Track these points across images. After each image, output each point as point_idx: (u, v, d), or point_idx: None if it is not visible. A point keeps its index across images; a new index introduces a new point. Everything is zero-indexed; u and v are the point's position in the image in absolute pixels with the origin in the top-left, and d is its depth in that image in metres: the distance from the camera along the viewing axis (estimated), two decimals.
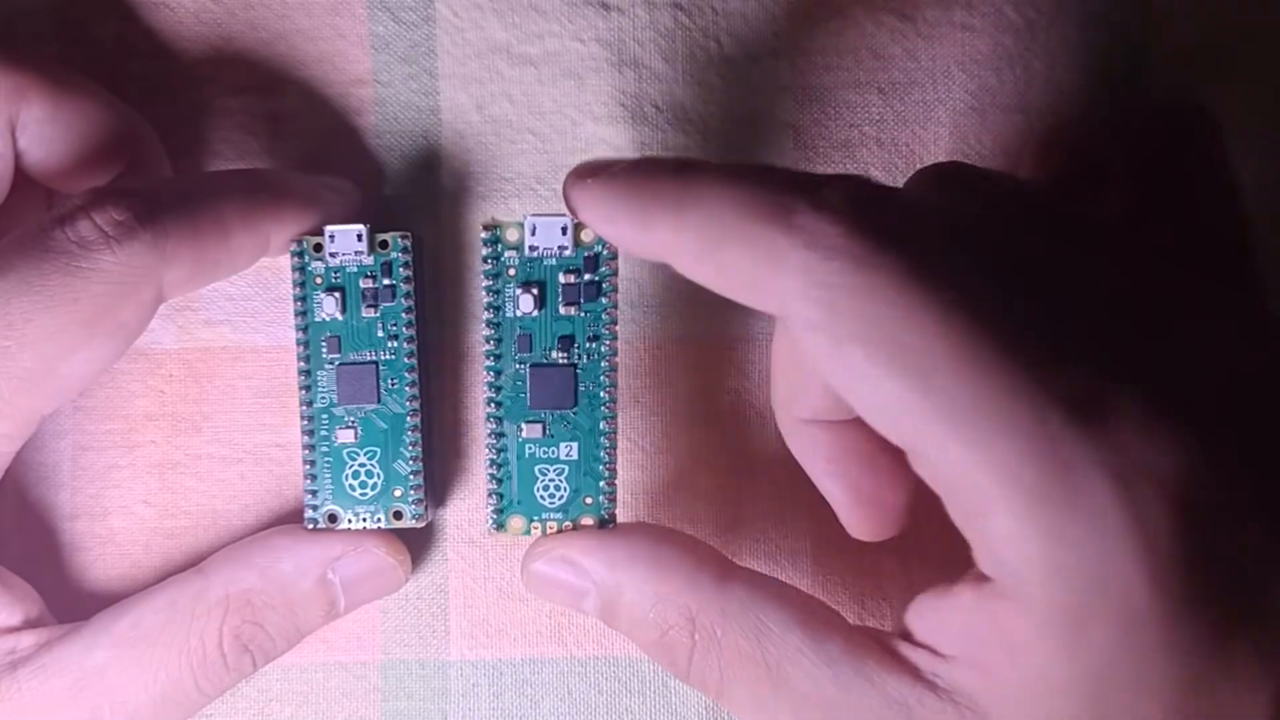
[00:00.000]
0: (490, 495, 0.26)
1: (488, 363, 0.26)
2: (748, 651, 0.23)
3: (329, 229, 0.27)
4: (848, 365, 0.20)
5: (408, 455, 0.28)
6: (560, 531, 0.26)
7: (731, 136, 0.30)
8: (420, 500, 0.28)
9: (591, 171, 0.23)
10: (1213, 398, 0.20)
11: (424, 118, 0.30)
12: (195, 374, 0.30)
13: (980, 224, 0.22)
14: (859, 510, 0.26)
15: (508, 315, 0.26)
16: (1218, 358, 0.21)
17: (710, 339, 0.30)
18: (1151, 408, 0.20)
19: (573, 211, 0.24)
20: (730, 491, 0.30)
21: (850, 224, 0.20)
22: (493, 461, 0.26)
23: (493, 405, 0.26)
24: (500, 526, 0.27)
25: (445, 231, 0.30)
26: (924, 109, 0.30)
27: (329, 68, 0.30)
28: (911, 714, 0.21)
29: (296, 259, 0.27)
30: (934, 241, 0.21)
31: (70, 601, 0.29)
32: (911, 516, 0.25)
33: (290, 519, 0.30)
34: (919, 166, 0.30)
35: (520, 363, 0.26)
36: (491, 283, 0.26)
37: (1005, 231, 0.22)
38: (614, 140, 0.30)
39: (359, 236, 0.27)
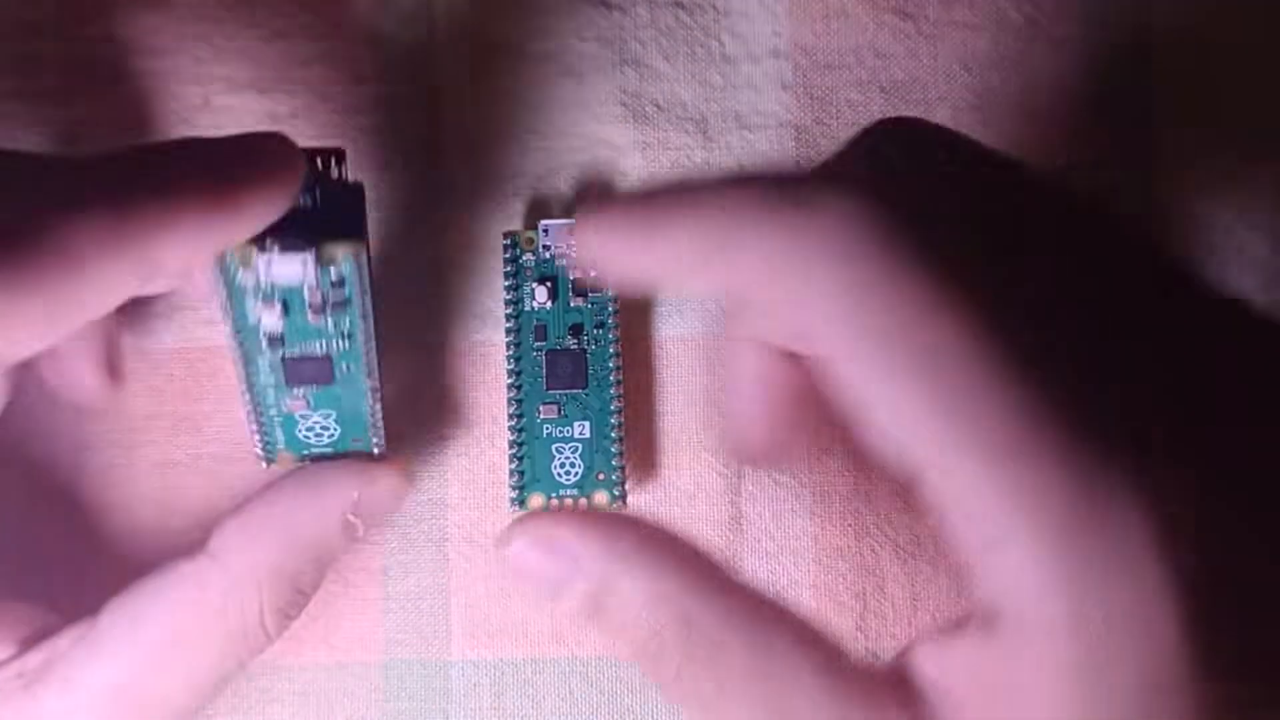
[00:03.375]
0: (511, 474, 0.28)
1: (508, 352, 0.29)
2: (751, 669, 0.21)
3: (264, 257, 0.22)
4: (864, 363, 0.19)
5: (368, 400, 0.26)
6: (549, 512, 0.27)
7: (732, 136, 0.30)
8: (378, 431, 0.27)
9: (597, 204, 0.23)
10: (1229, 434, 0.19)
11: (424, 117, 0.30)
12: (195, 374, 0.30)
13: (990, 216, 0.20)
14: (749, 429, 0.25)
15: (525, 309, 0.29)
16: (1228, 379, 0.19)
17: (710, 339, 0.30)
18: (1181, 444, 0.18)
19: (581, 253, 0.22)
20: (730, 491, 0.30)
21: (876, 211, 0.19)
22: (513, 442, 0.28)
23: (514, 390, 0.28)
24: (521, 504, 0.28)
25: (446, 231, 0.30)
26: (926, 108, 0.30)
27: (329, 66, 0.30)
28: None
29: (220, 274, 0.23)
30: (953, 234, 0.19)
31: (72, 603, 0.29)
32: (916, 525, 0.25)
33: None
34: None
35: (537, 350, 0.29)
36: (511, 282, 0.29)
37: (1021, 225, 0.20)
38: (614, 139, 0.30)
39: (304, 264, 0.23)
